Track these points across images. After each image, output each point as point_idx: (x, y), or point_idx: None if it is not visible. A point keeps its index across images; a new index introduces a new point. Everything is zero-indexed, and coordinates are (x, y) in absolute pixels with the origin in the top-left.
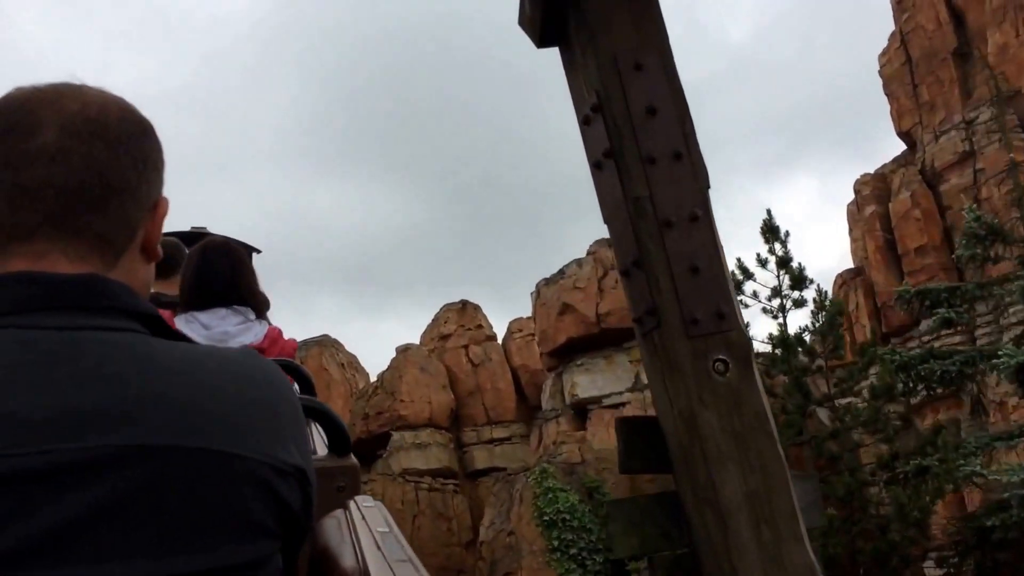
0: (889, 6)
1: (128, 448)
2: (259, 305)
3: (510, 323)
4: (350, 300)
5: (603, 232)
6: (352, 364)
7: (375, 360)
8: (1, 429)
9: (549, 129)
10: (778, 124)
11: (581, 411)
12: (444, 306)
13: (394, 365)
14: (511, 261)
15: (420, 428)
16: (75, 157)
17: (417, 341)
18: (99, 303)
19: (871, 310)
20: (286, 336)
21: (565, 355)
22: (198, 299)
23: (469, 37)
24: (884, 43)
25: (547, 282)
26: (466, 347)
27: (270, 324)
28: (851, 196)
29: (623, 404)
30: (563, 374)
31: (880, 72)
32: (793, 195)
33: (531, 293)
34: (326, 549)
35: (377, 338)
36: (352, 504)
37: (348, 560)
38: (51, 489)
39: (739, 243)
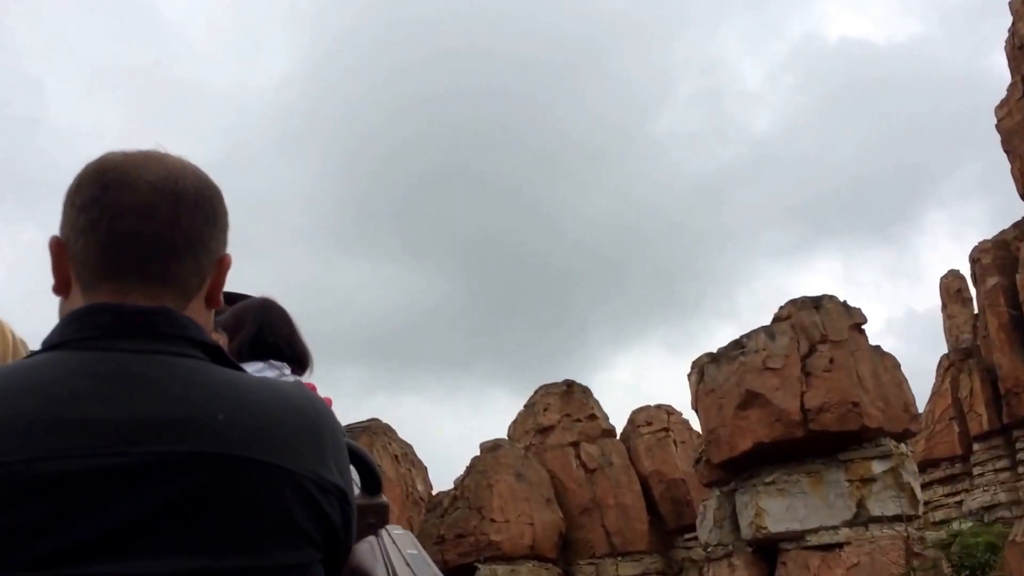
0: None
1: (191, 455)
2: (305, 362)
3: (633, 413)
4: (371, 374)
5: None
6: (407, 456)
7: (420, 442)
8: (88, 432)
9: (568, 204)
10: (799, 212)
11: (768, 550)
12: (542, 388)
13: (480, 468)
14: (535, 337)
15: (518, 560)
16: (161, 213)
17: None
18: (171, 332)
19: (989, 397)
20: (321, 394)
21: (744, 467)
22: (250, 353)
23: (486, 111)
24: (1000, 94)
25: (714, 359)
26: (575, 445)
27: (306, 380)
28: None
29: (839, 545)
30: (738, 494)
31: (998, 127)
32: (815, 279)
33: (688, 375)
34: (361, 567)
35: (407, 413)
36: (383, 531)
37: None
38: (126, 487)
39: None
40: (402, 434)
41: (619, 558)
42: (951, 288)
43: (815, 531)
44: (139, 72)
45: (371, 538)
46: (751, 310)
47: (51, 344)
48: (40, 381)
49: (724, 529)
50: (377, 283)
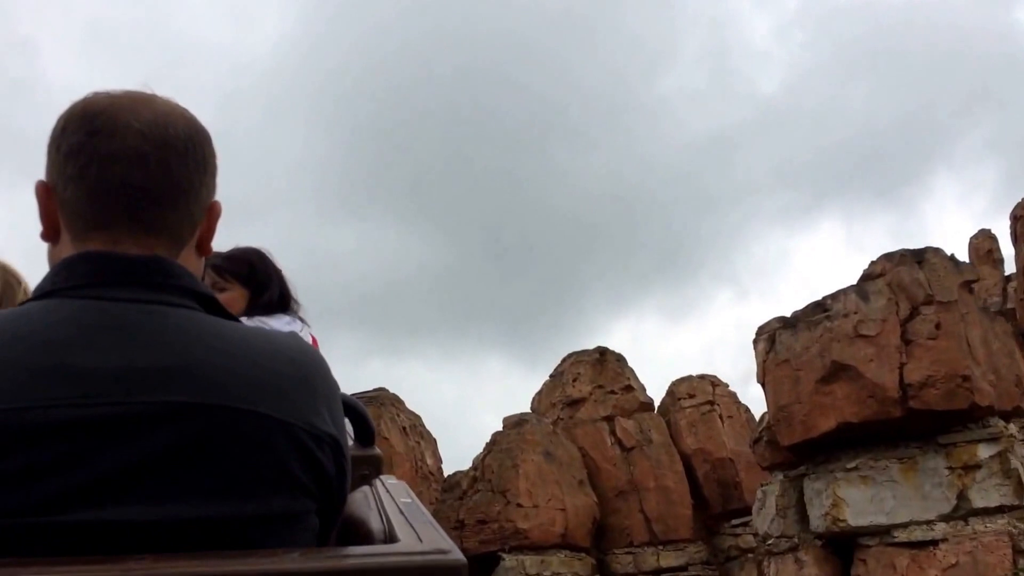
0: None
1: (185, 404)
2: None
3: (673, 385)
4: (371, 339)
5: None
6: (416, 428)
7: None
8: (80, 381)
9: (568, 166)
10: (803, 172)
11: (843, 546)
12: (571, 356)
13: (503, 446)
14: (531, 302)
15: (548, 550)
16: (151, 160)
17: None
18: (164, 281)
19: None
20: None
21: (820, 450)
22: (283, 302)
23: (488, 69)
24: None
25: (789, 324)
26: (610, 420)
27: (312, 335)
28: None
29: (933, 542)
30: (809, 480)
31: None
32: (816, 242)
33: (754, 342)
34: (354, 516)
35: (402, 377)
36: (377, 481)
37: (375, 524)
38: (119, 436)
39: (761, 294)
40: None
41: (660, 547)
42: (981, 249)
43: (904, 526)
44: (133, 30)
45: (365, 488)
46: (751, 274)
47: (43, 292)
48: (31, 329)
49: (788, 519)
50: (372, 247)
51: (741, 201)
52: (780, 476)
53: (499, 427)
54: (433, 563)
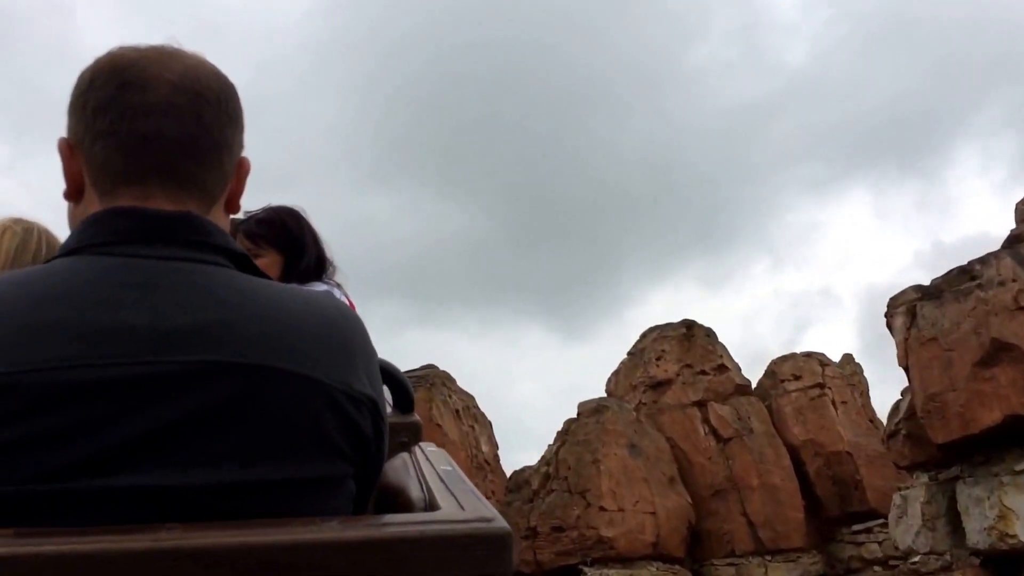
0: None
1: (219, 364)
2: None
3: (774, 364)
4: (406, 309)
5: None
6: (469, 410)
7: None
8: (111, 341)
9: (602, 137)
10: (831, 143)
11: (1011, 566)
12: (653, 331)
13: (579, 437)
14: (568, 271)
15: (637, 561)
16: (185, 112)
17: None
18: (195, 238)
19: None
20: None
21: (980, 449)
22: (320, 267)
23: (521, 44)
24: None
25: (931, 294)
26: (701, 405)
27: (348, 299)
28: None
29: None
30: (964, 484)
31: None
32: (846, 209)
33: (887, 317)
34: (393, 483)
35: (443, 346)
36: (416, 448)
37: (415, 491)
38: (151, 397)
39: (796, 263)
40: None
41: (768, 557)
42: None
43: None
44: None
45: (404, 454)
46: (786, 243)
47: (69, 249)
48: (61, 287)
49: (938, 532)
50: (409, 217)
51: (773, 171)
52: (924, 478)
53: (538, 399)
54: (476, 531)
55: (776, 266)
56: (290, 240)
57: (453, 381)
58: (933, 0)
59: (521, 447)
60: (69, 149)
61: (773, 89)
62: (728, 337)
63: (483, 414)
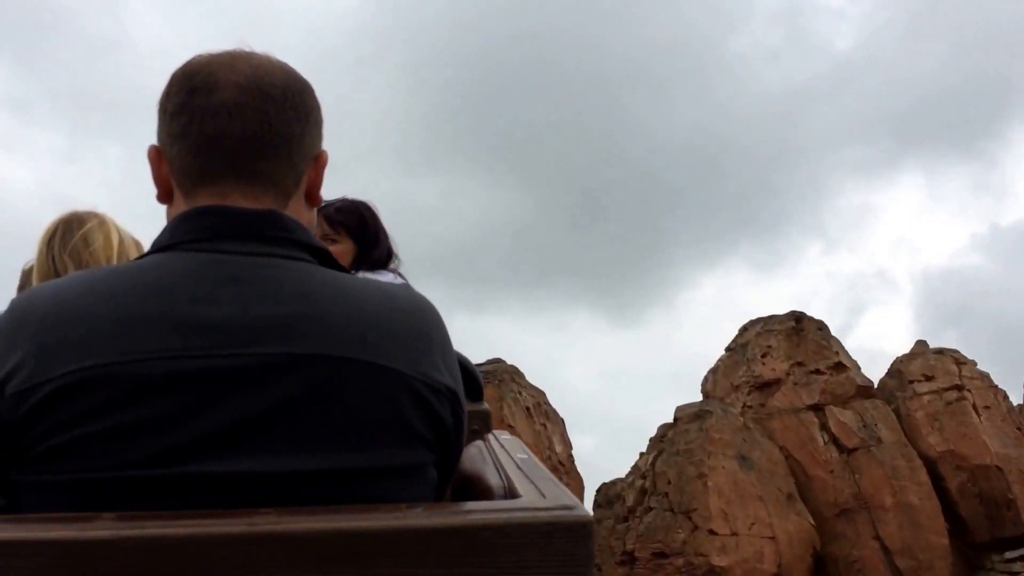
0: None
1: (304, 356)
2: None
3: (900, 362)
4: (454, 292)
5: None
6: (540, 407)
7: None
8: (201, 333)
9: (649, 120)
10: (881, 127)
11: None
12: (756, 323)
13: (680, 446)
14: (616, 255)
15: None
16: (249, 111)
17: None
18: (277, 234)
19: None
20: None
21: None
22: (388, 259)
23: (566, 26)
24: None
25: None
26: (818, 410)
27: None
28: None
29: None
30: None
31: None
32: (899, 193)
33: None
34: (469, 471)
35: (492, 329)
36: (490, 436)
37: (493, 479)
38: (240, 387)
39: (850, 249)
40: (487, 354)
41: None
42: None
43: None
44: None
45: (478, 442)
46: (838, 228)
47: (160, 246)
48: (151, 281)
49: None
50: (454, 200)
51: (822, 155)
52: None
53: (587, 382)
54: (559, 519)
55: (829, 249)
56: (365, 231)
57: (522, 376)
58: None
59: (573, 429)
60: (157, 154)
61: (819, 73)
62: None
63: (554, 410)
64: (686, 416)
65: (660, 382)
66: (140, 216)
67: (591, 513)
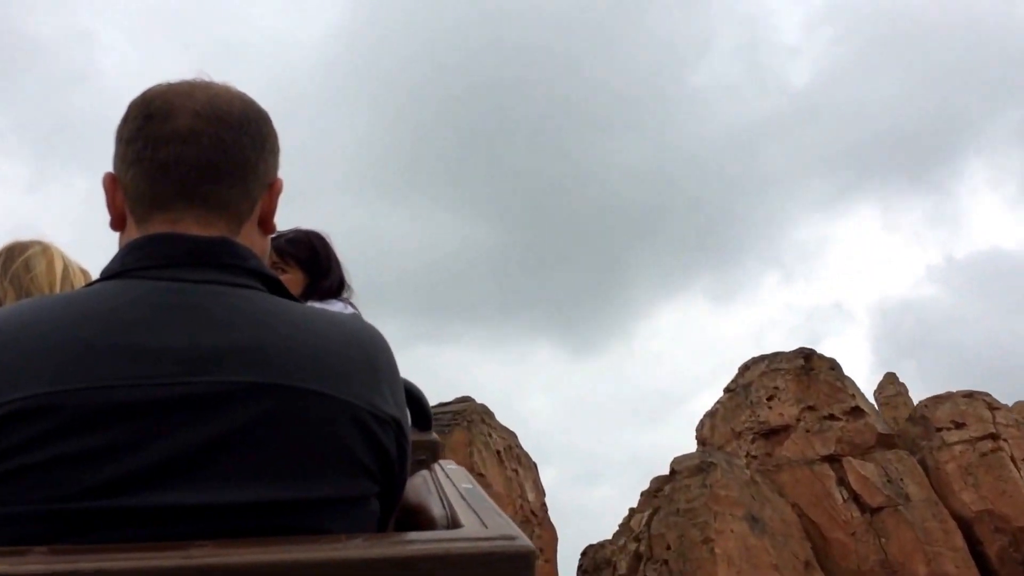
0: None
1: (248, 385)
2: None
3: (924, 406)
4: (416, 324)
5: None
6: (512, 451)
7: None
8: (149, 362)
9: (608, 156)
10: (837, 161)
11: None
12: (760, 362)
13: (680, 505)
14: (578, 286)
15: None
16: (204, 138)
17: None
18: (229, 262)
19: None
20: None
21: None
22: (340, 289)
23: (528, 66)
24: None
25: None
26: (834, 461)
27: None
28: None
29: None
30: None
31: None
32: (855, 225)
33: None
34: (413, 501)
35: (453, 360)
36: (436, 466)
37: (436, 509)
38: (186, 416)
39: (807, 280)
40: (448, 386)
41: None
42: None
43: None
44: (188, 22)
45: (424, 472)
46: (795, 259)
47: (111, 273)
48: (101, 308)
49: None
50: (418, 233)
51: (780, 188)
52: None
53: (549, 410)
54: (500, 549)
55: (786, 280)
56: (316, 261)
57: (492, 416)
58: (936, 17)
59: (537, 458)
60: (112, 181)
61: (777, 107)
62: (739, 351)
63: (526, 454)
64: (686, 469)
65: (620, 412)
66: (103, 247)
67: (531, 544)
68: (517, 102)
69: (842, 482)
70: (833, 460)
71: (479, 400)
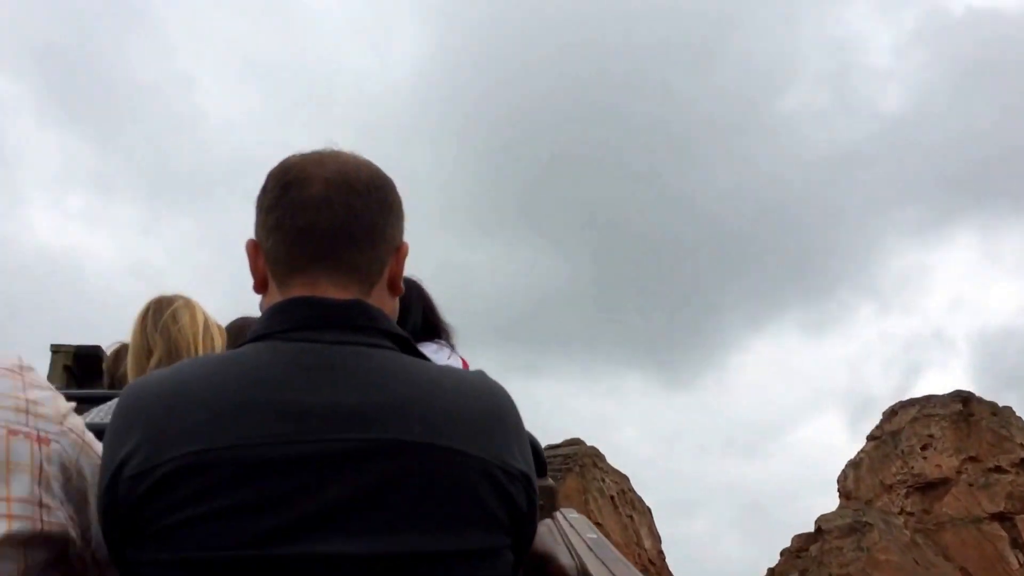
0: None
1: (386, 442)
2: (450, 337)
3: None
4: (508, 358)
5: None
6: (626, 495)
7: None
8: (297, 420)
9: (696, 184)
10: (933, 187)
11: None
12: (911, 405)
13: (834, 569)
14: (667, 317)
15: None
16: (336, 205)
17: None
18: (363, 323)
19: None
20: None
21: None
22: (423, 333)
23: (615, 95)
24: None
25: None
26: (1005, 519)
27: (461, 358)
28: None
29: None
30: None
31: None
32: (954, 254)
33: None
34: (540, 550)
35: (546, 394)
36: (558, 514)
37: (565, 559)
38: (331, 472)
39: (905, 310)
40: (545, 419)
41: None
42: None
43: None
44: (277, 66)
45: (547, 521)
46: (892, 288)
47: (257, 335)
48: (252, 370)
49: None
50: (507, 266)
51: (874, 215)
52: None
53: (641, 444)
54: None
55: (882, 311)
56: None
57: (603, 459)
58: None
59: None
60: (254, 247)
61: (869, 133)
62: (835, 383)
63: (639, 498)
64: (836, 529)
65: (713, 443)
66: (209, 282)
67: None
68: (604, 130)
69: (1016, 543)
70: (1003, 518)
71: (575, 428)
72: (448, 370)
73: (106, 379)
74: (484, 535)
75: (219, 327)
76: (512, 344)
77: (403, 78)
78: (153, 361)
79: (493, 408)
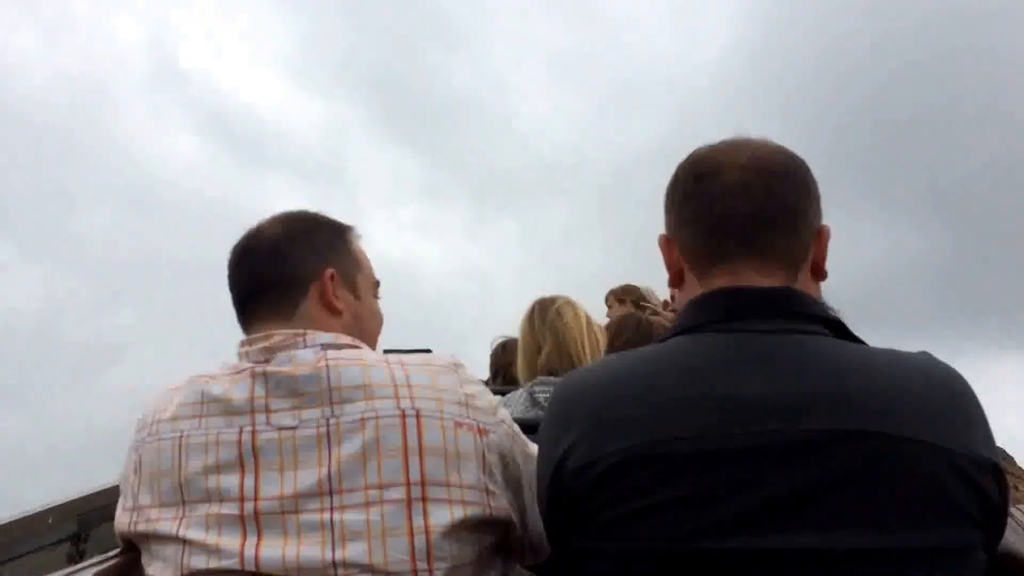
0: None
1: (838, 432)
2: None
3: None
4: (869, 337)
5: None
6: None
7: None
8: (736, 412)
9: None
10: None
11: None
12: None
13: None
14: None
15: None
16: (755, 189)
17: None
18: (796, 310)
19: None
20: None
21: None
22: None
23: (960, 45)
24: None
25: None
26: None
27: None
28: None
29: None
30: None
31: None
32: None
33: None
34: (1007, 547)
35: None
36: (1014, 508)
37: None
38: (779, 463)
39: None
40: None
41: None
42: None
43: None
44: (587, 63)
45: (1012, 510)
46: None
47: (683, 328)
48: (683, 362)
49: None
50: (847, 241)
51: None
52: None
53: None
54: None
55: None
56: None
57: (1014, 462)
58: None
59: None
60: (667, 243)
61: None
62: None
63: None
64: None
65: None
66: (537, 285)
67: None
68: (944, 87)
69: None
70: None
71: None
72: (893, 354)
73: (491, 369)
74: (954, 531)
75: (599, 324)
76: (862, 326)
77: (717, 59)
78: (543, 356)
79: (953, 394)
